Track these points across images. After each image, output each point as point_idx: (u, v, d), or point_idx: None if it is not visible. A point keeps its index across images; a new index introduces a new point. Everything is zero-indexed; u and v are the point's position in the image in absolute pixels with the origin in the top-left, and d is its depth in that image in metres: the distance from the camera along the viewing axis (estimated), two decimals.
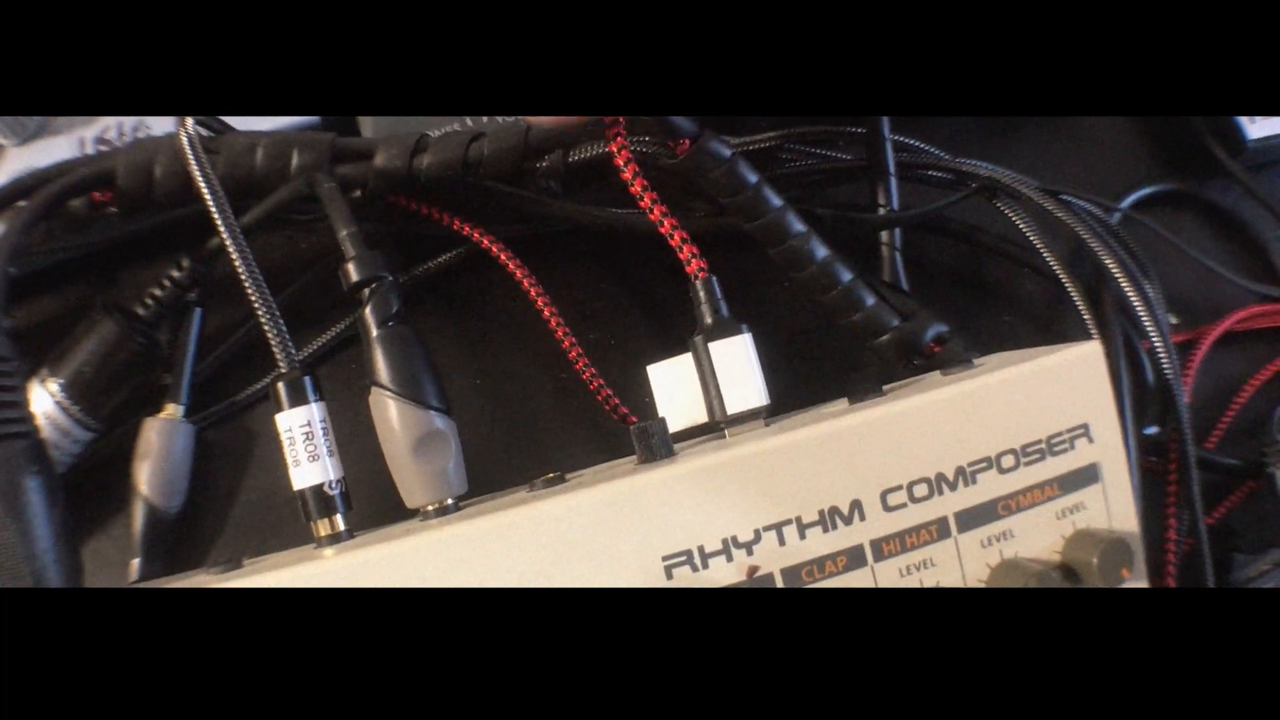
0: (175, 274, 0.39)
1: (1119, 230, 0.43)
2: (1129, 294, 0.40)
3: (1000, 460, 0.30)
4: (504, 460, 0.41)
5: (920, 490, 0.29)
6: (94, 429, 0.38)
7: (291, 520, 0.40)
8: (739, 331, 0.32)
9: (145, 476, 0.38)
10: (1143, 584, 0.31)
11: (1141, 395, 0.41)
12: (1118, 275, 0.40)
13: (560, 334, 0.39)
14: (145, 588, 0.29)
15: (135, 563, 0.38)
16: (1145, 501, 0.37)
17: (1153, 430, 0.41)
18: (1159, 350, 0.40)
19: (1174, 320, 0.45)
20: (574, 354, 0.39)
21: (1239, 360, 0.47)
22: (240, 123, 0.40)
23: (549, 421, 0.42)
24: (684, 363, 0.32)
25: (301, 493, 0.31)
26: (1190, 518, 0.40)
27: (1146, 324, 0.40)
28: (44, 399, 0.37)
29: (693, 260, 0.33)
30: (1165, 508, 0.40)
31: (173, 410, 0.39)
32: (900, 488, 0.29)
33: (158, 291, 0.39)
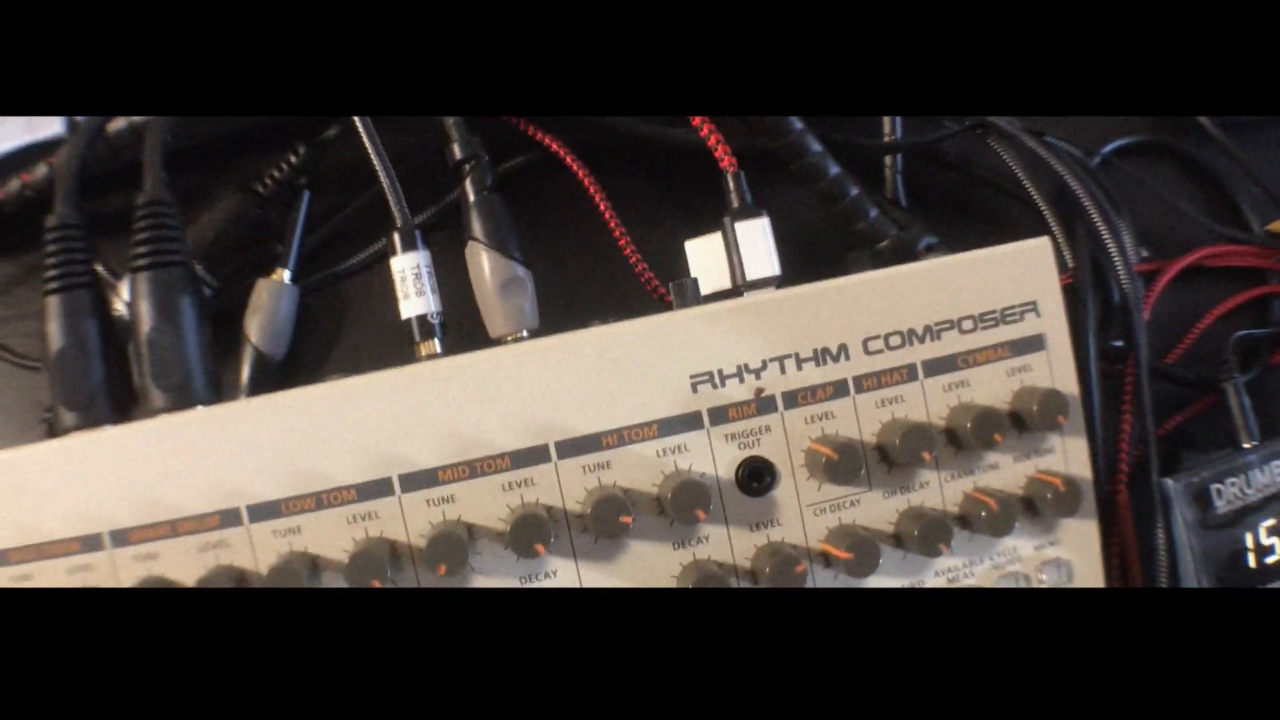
0: (292, 159, 0.45)
1: (1096, 171, 0.49)
2: (1099, 225, 0.46)
3: (961, 323, 0.36)
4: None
5: (895, 340, 0.36)
6: (213, 286, 0.44)
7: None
8: (760, 215, 0.39)
9: (256, 328, 0.44)
10: (1080, 438, 0.37)
11: (1108, 312, 0.46)
12: (1090, 208, 0.46)
13: (608, 215, 0.45)
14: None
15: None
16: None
17: (1119, 344, 0.46)
18: (1120, 272, 0.46)
19: (1144, 253, 0.51)
20: (618, 233, 0.45)
21: (1205, 293, 0.51)
22: None
23: (597, 305, 0.47)
24: (714, 239, 0.39)
25: (409, 320, 0.37)
26: (1142, 421, 0.45)
27: (1112, 250, 0.46)
28: None
29: (725, 156, 0.39)
30: (1121, 410, 0.45)
31: (281, 274, 0.45)
32: (879, 337, 0.36)
33: (275, 174, 0.45)
